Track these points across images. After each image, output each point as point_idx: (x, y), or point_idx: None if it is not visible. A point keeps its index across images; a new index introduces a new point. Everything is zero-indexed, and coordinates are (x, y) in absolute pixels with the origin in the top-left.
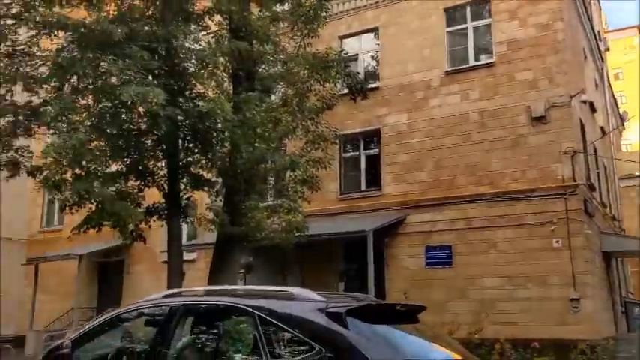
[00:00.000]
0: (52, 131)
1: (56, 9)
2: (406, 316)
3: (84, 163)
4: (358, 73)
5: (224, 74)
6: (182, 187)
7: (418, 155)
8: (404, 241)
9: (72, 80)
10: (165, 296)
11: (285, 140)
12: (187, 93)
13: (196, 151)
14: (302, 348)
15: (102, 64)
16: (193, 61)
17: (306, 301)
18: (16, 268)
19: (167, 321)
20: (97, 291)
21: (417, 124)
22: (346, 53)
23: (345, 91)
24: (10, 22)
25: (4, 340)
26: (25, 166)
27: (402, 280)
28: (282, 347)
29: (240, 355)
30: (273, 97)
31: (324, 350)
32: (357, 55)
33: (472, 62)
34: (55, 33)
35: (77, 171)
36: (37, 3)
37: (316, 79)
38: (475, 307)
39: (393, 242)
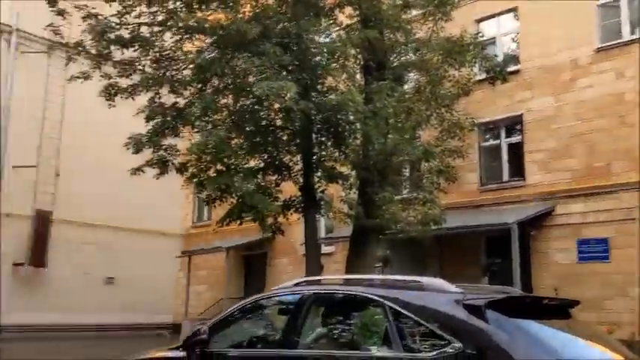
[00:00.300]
0: (195, 130)
1: (196, 14)
2: (556, 311)
3: (224, 159)
4: (496, 56)
5: (355, 66)
6: (316, 180)
7: (567, 141)
8: (552, 234)
9: (213, 81)
10: (296, 285)
11: (420, 130)
12: (319, 87)
13: (329, 144)
14: (437, 342)
15: (238, 63)
16: (324, 54)
17: (440, 293)
18: (172, 261)
19: (298, 309)
20: (244, 282)
21: (564, 107)
22: (482, 36)
23: (483, 76)
24: (156, 29)
25: (161, 327)
26: (173, 164)
27: (551, 275)
28: (416, 341)
29: (370, 347)
30: (405, 86)
31: (462, 346)
32: (495, 38)
33: (627, 37)
34: (196, 37)
35: (218, 167)
36: (179, 9)
37: (451, 64)
38: (637, 306)
39: (540, 235)
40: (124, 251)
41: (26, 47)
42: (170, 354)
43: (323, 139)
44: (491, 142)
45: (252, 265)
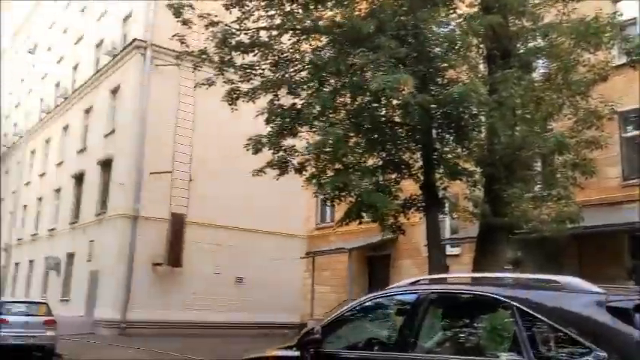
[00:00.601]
0: (313, 130)
1: (313, 14)
2: None
3: (342, 157)
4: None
5: (477, 56)
6: (438, 177)
7: None
8: None
9: (329, 80)
10: (412, 283)
11: (551, 121)
12: (439, 79)
13: (451, 139)
14: (576, 350)
15: (354, 60)
16: (444, 45)
17: (579, 293)
18: (298, 262)
19: (414, 310)
20: (367, 283)
21: None
22: (621, 15)
23: (622, 60)
24: (274, 32)
25: (288, 327)
26: (292, 164)
27: None
28: (550, 347)
29: (497, 353)
30: (533, 74)
31: (606, 356)
32: (635, 18)
33: None
34: (312, 37)
35: (336, 166)
36: (295, 11)
37: (585, 48)
38: None
39: None
40: (253, 252)
41: (159, 60)
42: (284, 353)
43: (444, 134)
44: (634, 132)
45: (376, 266)
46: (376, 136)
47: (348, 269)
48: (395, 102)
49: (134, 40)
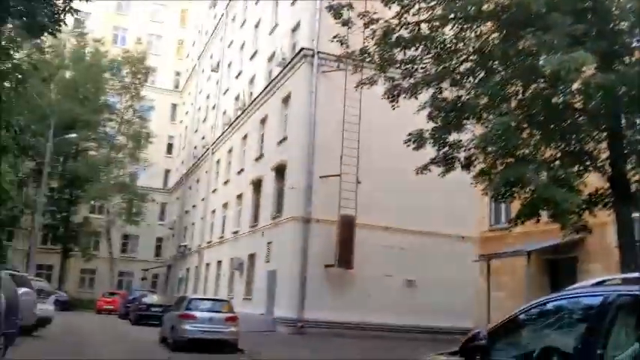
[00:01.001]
0: (481, 122)
1: None
2: None
3: (513, 150)
4: None
5: None
6: (629, 169)
7: None
8: None
9: (497, 68)
10: (597, 284)
11: None
12: (625, 58)
13: None
14: None
15: (524, 43)
16: (630, 16)
17: None
18: (472, 265)
19: (600, 315)
20: (549, 289)
21: None
22: None
23: None
24: (436, 24)
25: (461, 333)
26: (459, 160)
27: None
28: None
29: None
30: None
31: None
32: None
33: None
34: (477, 24)
35: (507, 159)
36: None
37: None
38: None
39: None
40: (424, 255)
41: (325, 67)
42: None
43: (635, 119)
44: None
45: (559, 270)
46: (552, 125)
47: (526, 274)
48: (574, 86)
49: (301, 49)
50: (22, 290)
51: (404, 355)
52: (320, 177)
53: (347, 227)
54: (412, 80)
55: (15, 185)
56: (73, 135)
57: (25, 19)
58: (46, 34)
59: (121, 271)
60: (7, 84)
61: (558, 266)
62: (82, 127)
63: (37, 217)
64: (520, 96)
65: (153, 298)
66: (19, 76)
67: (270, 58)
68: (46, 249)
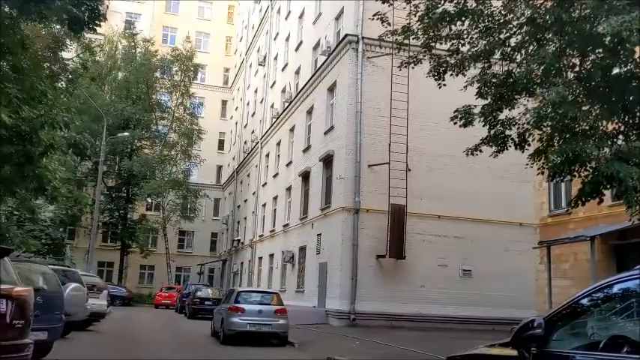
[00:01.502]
0: (534, 97)
1: None
2: None
3: (571, 124)
4: None
5: None
6: None
7: None
8: None
9: (550, 38)
10: None
11: None
12: None
13: None
14: None
15: (580, 8)
16: None
17: None
18: (531, 253)
19: None
20: None
21: None
22: None
23: None
24: None
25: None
26: (512, 139)
27: None
28: None
29: None
30: None
31: None
32: None
33: None
34: None
35: (565, 135)
36: None
37: None
38: None
39: None
40: (479, 243)
41: (371, 53)
42: (496, 352)
43: None
44: None
45: (627, 257)
46: (614, 97)
47: (591, 260)
48: (636, 55)
49: (346, 35)
50: (72, 286)
51: (460, 347)
52: (368, 166)
53: (397, 216)
54: (459, 56)
55: (74, 185)
56: (126, 134)
57: (65, 15)
58: (87, 30)
59: (179, 267)
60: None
61: (626, 252)
62: (135, 126)
63: (95, 215)
64: (577, 68)
65: (207, 292)
66: (70, 76)
67: (315, 48)
68: (106, 246)
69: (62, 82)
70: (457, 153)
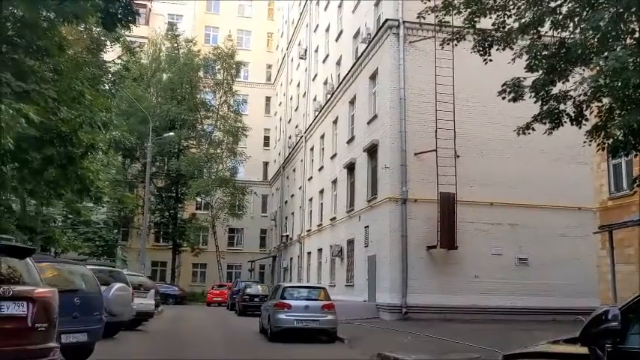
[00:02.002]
0: (591, 67)
1: None
2: None
3: (635, 90)
4: None
5: None
6: None
7: None
8: None
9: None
10: None
11: None
12: None
13: None
14: None
15: None
16: None
17: None
18: (590, 238)
19: None
20: None
21: None
22: None
23: None
24: None
25: (583, 313)
26: (567, 114)
27: None
28: None
29: None
30: None
31: None
32: None
33: None
34: None
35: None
36: None
37: None
38: None
39: None
40: (535, 230)
41: (412, 37)
42: (562, 349)
43: None
44: None
45: None
46: None
47: None
48: None
49: (386, 20)
50: (116, 286)
51: (518, 341)
52: (415, 154)
53: (447, 205)
54: (505, 29)
55: (124, 187)
56: (171, 134)
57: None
58: (120, 27)
59: (230, 264)
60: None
61: None
62: (181, 127)
63: (145, 216)
64: (637, 34)
65: (257, 289)
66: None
67: (355, 36)
68: (158, 246)
69: (105, 85)
70: (508, 136)
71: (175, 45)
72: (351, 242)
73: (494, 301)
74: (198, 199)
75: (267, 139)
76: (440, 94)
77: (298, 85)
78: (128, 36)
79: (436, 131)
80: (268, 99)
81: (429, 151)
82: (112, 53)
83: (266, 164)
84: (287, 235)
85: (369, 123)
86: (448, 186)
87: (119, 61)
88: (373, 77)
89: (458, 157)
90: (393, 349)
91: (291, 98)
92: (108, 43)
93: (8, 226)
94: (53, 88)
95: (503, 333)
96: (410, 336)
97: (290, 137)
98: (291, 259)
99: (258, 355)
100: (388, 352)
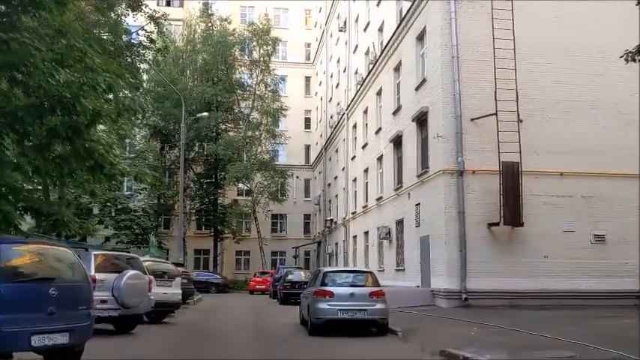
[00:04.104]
0: None
1: None
2: None
3: None
4: None
5: None
6: None
7: None
8: None
9: None
10: None
11: None
12: None
13: None
14: None
15: None
16: None
17: None
18: None
19: None
20: None
21: None
22: None
23: None
24: None
25: None
26: None
27: None
28: None
29: None
30: None
31: None
32: None
33: None
34: None
35: None
36: None
37: None
38: None
39: None
40: (613, 202)
41: None
42: None
43: None
44: None
45: None
46: None
47: None
48: None
49: None
50: (128, 273)
51: (610, 330)
52: (471, 120)
53: (511, 176)
54: None
55: (161, 172)
56: (205, 114)
57: None
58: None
59: (274, 251)
60: None
61: None
62: (218, 108)
63: (181, 200)
64: None
65: (299, 275)
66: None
67: None
68: (200, 234)
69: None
70: (579, 96)
71: (210, 25)
72: (400, 223)
73: (566, 284)
74: (240, 186)
75: (307, 121)
76: (499, 51)
77: (338, 61)
78: (162, 19)
79: (495, 92)
80: (308, 79)
81: (488, 116)
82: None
83: (307, 147)
84: (331, 219)
85: (417, 89)
86: (511, 154)
87: (142, 32)
88: (420, 37)
89: (521, 121)
90: (459, 344)
91: (331, 76)
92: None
93: (4, 207)
94: (50, 47)
95: (584, 321)
96: (475, 327)
97: (331, 117)
98: (336, 244)
99: (295, 353)
100: (454, 350)
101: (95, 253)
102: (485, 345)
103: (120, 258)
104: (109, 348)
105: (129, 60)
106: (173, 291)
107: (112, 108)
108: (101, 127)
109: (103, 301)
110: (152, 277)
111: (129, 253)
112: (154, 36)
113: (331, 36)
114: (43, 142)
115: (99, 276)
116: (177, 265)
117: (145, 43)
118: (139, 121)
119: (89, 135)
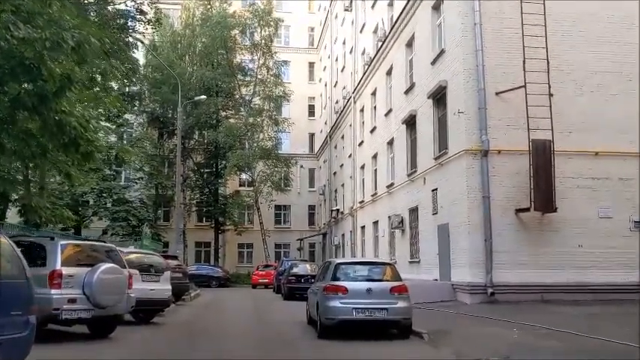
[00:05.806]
0: None
1: None
2: None
3: None
4: None
5: None
6: None
7: None
8: None
9: None
10: None
11: None
12: None
13: None
14: None
15: None
16: None
17: None
18: None
19: None
20: None
21: None
22: None
23: None
24: None
25: None
26: None
27: None
28: None
29: None
30: None
31: None
32: None
33: None
34: None
35: None
36: None
37: None
38: None
39: None
40: None
41: None
42: None
43: None
44: None
45: None
46: None
47: None
48: None
49: None
50: (102, 267)
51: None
52: (496, 93)
53: (542, 156)
54: None
55: (159, 162)
56: (202, 97)
57: None
58: None
59: (277, 243)
60: None
61: None
62: (218, 94)
63: (177, 190)
64: None
65: (305, 268)
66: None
67: None
68: (201, 226)
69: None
70: (616, 67)
71: (209, 7)
72: (414, 210)
73: (602, 276)
74: (242, 176)
75: (311, 108)
76: (527, 16)
77: (344, 43)
78: (160, 2)
79: (524, 62)
80: (312, 65)
81: (516, 89)
82: None
83: (312, 136)
84: (337, 210)
85: (433, 63)
86: (542, 132)
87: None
88: (437, 6)
89: (552, 95)
90: (504, 351)
91: (337, 59)
92: None
93: None
94: None
95: (632, 319)
96: (515, 328)
97: (337, 102)
98: (343, 235)
99: None
100: (496, 358)
101: (63, 243)
102: (538, 352)
103: (96, 249)
104: (71, 357)
105: (117, 33)
106: (161, 287)
107: (84, 74)
108: (76, 97)
109: (72, 301)
110: (133, 271)
111: (105, 243)
112: (145, 7)
113: (336, 17)
114: (5, 115)
115: (67, 270)
116: (169, 257)
117: (134, 14)
118: (136, 107)
119: (59, 105)
